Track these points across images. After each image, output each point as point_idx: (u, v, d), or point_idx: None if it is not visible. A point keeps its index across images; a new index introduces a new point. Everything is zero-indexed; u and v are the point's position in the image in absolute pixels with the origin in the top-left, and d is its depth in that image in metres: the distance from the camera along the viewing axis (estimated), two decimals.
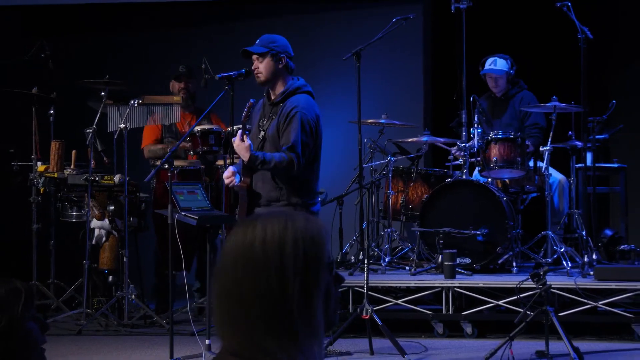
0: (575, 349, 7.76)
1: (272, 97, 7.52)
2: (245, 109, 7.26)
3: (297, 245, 2.39)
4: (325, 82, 11.64)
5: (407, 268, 9.63)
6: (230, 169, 7.50)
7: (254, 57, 7.52)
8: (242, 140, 7.13)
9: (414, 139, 10.29)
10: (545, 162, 9.65)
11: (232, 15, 12.15)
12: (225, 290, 2.39)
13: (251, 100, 7.32)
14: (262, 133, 7.42)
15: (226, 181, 7.49)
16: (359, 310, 8.22)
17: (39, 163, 10.14)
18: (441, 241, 9.40)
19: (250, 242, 2.38)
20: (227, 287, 2.38)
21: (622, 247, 9.73)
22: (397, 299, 9.16)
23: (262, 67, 7.49)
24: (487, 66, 10.25)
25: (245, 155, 7.15)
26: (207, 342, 7.75)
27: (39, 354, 2.86)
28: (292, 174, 7.26)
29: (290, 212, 2.48)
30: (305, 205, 7.38)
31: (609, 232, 10.12)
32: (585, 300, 8.86)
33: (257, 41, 7.61)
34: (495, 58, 10.23)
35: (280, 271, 2.36)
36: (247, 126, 7.26)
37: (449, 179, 9.79)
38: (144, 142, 10.40)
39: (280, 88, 7.50)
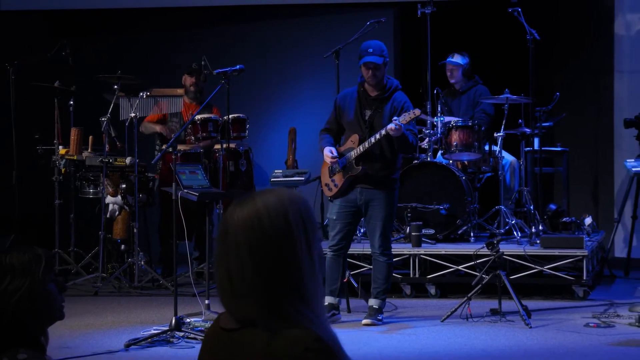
0: (524, 307, 7.79)
1: (375, 92, 7.80)
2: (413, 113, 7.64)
3: (297, 213, 2.35)
4: (310, 76, 11.62)
5: None
6: (332, 151, 7.85)
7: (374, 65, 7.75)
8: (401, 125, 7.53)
9: None
10: (498, 146, 9.66)
11: (228, 19, 12.09)
12: (239, 263, 2.31)
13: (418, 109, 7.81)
14: (368, 121, 7.77)
15: (329, 161, 7.87)
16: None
17: (60, 147, 10.10)
18: (409, 214, 9.40)
19: (256, 215, 2.32)
20: (241, 259, 2.31)
21: (564, 219, 9.74)
22: (371, 265, 9.15)
23: (379, 73, 7.73)
24: (447, 59, 10.23)
25: (398, 132, 7.50)
26: (206, 302, 7.74)
27: (58, 312, 2.87)
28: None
29: (276, 188, 2.45)
30: (396, 179, 7.95)
31: (553, 207, 10.12)
32: (533, 265, 8.88)
33: (370, 50, 7.72)
34: (455, 53, 10.21)
35: (289, 237, 2.31)
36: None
37: (416, 161, 9.77)
38: (147, 118, 10.31)
39: (382, 85, 7.79)
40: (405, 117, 7.55)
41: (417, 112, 7.64)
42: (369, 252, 8.35)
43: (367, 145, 7.66)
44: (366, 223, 8.00)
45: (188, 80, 10.34)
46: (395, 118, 7.53)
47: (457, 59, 10.15)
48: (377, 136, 7.62)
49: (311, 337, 2.27)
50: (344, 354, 2.32)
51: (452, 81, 10.26)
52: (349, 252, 8.38)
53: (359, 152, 7.71)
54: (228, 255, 2.34)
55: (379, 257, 7.83)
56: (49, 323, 2.86)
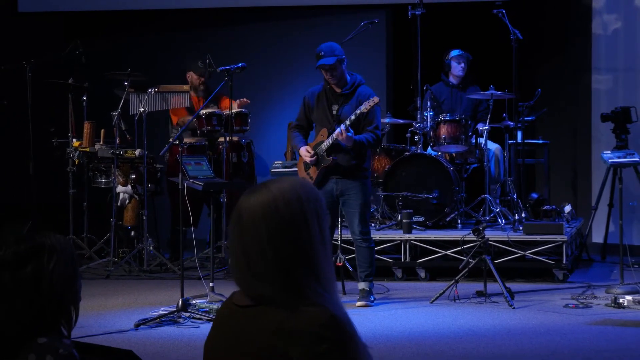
0: (508, 289, 7.81)
1: (339, 89, 7.82)
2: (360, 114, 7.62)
3: (310, 199, 2.36)
4: (306, 75, 11.58)
5: (373, 225, 9.61)
6: (308, 150, 7.80)
7: (328, 66, 7.76)
8: (348, 131, 7.54)
9: None
10: (484, 139, 9.67)
11: (230, 20, 12.08)
12: (257, 245, 2.32)
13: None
14: (336, 115, 7.76)
15: (308, 160, 7.79)
16: (333, 258, 8.23)
17: (74, 140, 10.11)
18: (400, 203, 9.40)
19: (273, 200, 2.32)
20: (259, 242, 2.31)
21: (545, 207, 9.75)
22: None
23: (336, 72, 7.77)
24: (458, 52, 10.16)
25: (349, 142, 7.55)
26: (210, 284, 7.74)
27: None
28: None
29: (288, 177, 2.45)
30: (367, 167, 7.89)
31: (535, 195, 10.13)
32: (516, 250, 8.90)
33: (322, 53, 7.77)
34: (461, 50, 10.16)
35: (304, 221, 2.32)
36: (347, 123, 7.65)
37: (407, 153, 9.77)
38: (174, 120, 10.26)
39: (345, 81, 7.81)
40: (365, 106, 7.58)
41: (376, 99, 7.64)
42: None
43: (335, 137, 7.66)
44: (345, 212, 7.98)
45: (195, 78, 10.29)
46: (338, 127, 7.57)
47: (468, 54, 10.10)
48: (330, 140, 7.68)
49: (327, 315, 2.28)
50: (356, 330, 2.33)
51: (460, 74, 10.15)
52: (344, 238, 8.40)
53: (328, 144, 7.72)
54: (244, 238, 2.34)
55: (361, 244, 7.83)
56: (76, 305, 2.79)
